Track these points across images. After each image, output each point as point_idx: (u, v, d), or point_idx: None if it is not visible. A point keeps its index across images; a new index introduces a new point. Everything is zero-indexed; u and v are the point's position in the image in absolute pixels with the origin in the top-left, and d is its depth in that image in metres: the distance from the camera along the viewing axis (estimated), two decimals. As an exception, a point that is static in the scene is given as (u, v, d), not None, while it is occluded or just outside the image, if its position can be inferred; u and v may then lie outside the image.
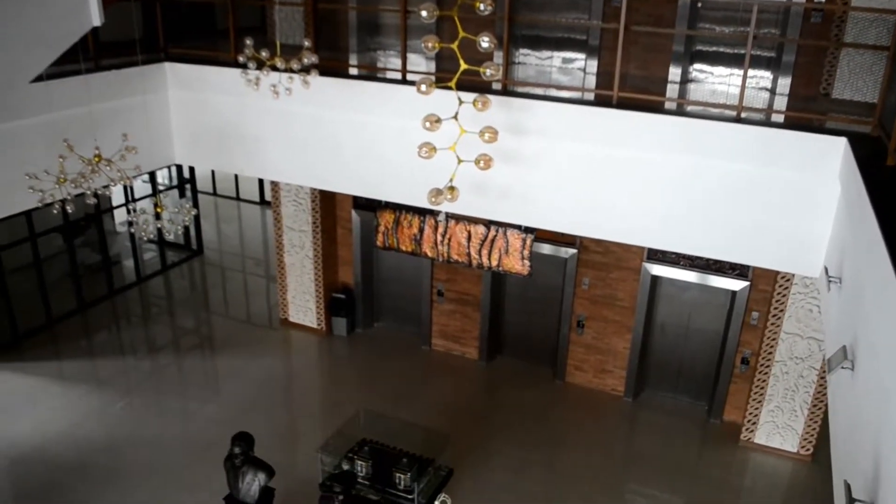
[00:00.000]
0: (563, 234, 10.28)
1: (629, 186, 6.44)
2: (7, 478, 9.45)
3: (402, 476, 7.94)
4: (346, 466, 8.14)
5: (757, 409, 9.82)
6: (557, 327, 11.17)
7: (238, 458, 7.79)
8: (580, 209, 6.70)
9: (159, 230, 7.91)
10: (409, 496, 7.89)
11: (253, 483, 7.81)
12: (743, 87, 6.16)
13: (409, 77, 7.19)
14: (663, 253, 9.97)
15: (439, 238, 9.26)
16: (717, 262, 9.65)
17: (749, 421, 9.96)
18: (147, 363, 12.14)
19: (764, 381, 9.64)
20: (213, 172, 19.48)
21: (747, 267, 9.63)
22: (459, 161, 5.17)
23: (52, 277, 13.27)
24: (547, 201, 6.76)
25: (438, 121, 4.94)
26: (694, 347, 10.68)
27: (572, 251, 10.50)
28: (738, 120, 6.10)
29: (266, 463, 7.88)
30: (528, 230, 8.75)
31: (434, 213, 9.21)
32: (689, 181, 6.23)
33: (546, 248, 10.61)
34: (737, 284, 9.80)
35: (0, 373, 11.66)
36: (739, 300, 9.85)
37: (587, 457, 9.80)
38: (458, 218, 9.02)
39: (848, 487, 3.09)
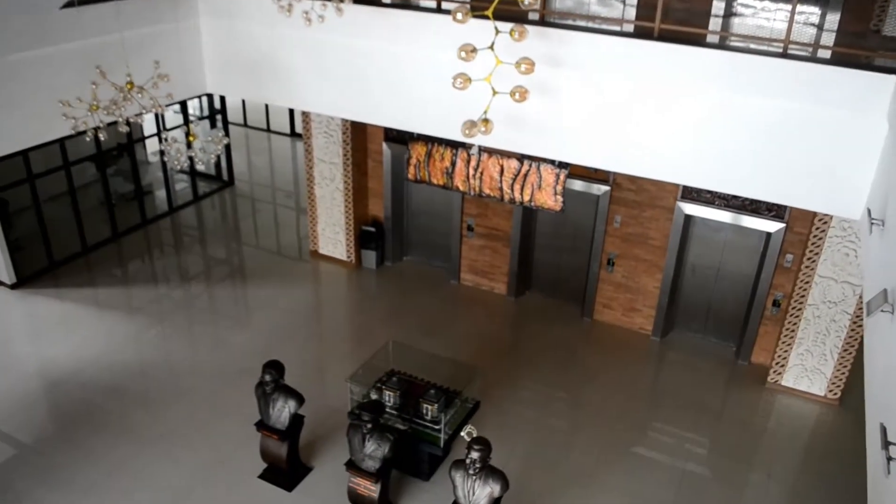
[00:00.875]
0: (596, 171, 10.15)
1: (668, 122, 6.27)
2: (46, 398, 9.77)
3: (430, 407, 8.05)
4: (374, 396, 8.27)
5: (786, 351, 9.77)
6: (587, 265, 11.12)
7: (269, 386, 7.95)
8: (616, 145, 6.56)
9: (191, 160, 7.92)
10: (436, 426, 8.02)
11: (283, 410, 7.99)
12: (791, 20, 5.91)
13: (445, 5, 7.00)
14: (698, 192, 9.81)
15: (471, 172, 9.17)
16: (752, 202, 9.48)
17: (777, 363, 9.93)
18: (179, 292, 12.35)
19: (795, 324, 9.56)
20: (243, 103, 19.41)
21: (784, 208, 9.45)
22: (494, 93, 5.07)
23: (86, 206, 13.43)
24: (582, 136, 6.63)
25: (474, 51, 4.82)
26: (724, 288, 10.59)
27: (605, 188, 10.37)
28: (783, 55, 5.88)
29: (296, 391, 8.04)
30: (561, 165, 8.63)
31: (467, 146, 9.10)
32: (730, 118, 6.06)
33: (578, 185, 10.49)
34: (772, 226, 9.63)
35: (37, 298, 11.95)
36: (774, 242, 9.70)
37: (613, 394, 9.87)
38: (491, 151, 8.89)
39: (883, 430, 3.06)
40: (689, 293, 10.83)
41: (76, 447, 8.86)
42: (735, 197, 9.51)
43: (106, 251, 13.45)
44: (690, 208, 10.00)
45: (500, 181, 8.99)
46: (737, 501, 8.29)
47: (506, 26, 4.79)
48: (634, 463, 8.75)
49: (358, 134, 11.86)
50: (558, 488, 8.35)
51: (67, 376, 10.09)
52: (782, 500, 8.32)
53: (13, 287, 12.10)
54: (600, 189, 10.41)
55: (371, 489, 7.71)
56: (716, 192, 9.48)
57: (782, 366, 9.89)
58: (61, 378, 10.06)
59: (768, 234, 9.74)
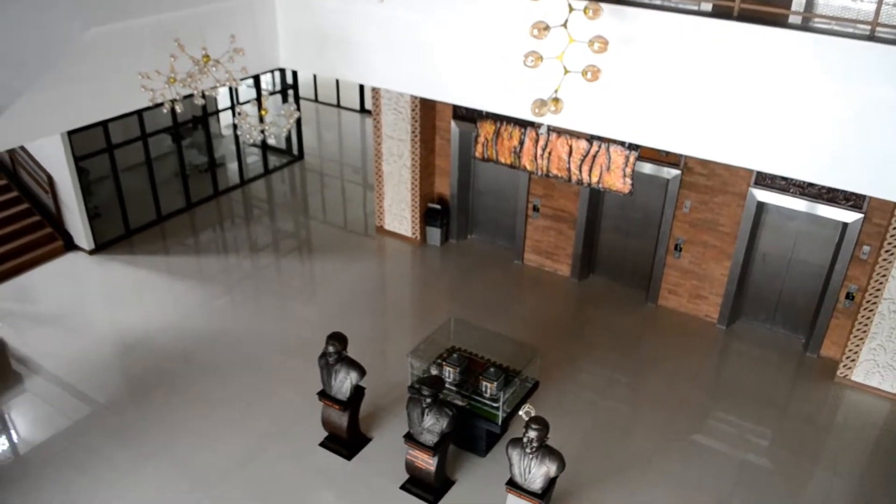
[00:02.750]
0: (667, 154, 9.95)
1: (747, 105, 6.09)
2: (120, 361, 10.18)
3: (489, 384, 8.09)
4: (434, 371, 8.35)
5: (858, 346, 9.45)
6: (654, 250, 10.94)
7: (332, 357, 8.11)
8: (690, 128, 6.41)
9: (263, 133, 8.07)
10: (495, 404, 8.06)
11: (345, 381, 8.14)
12: (880, 1, 5.66)
13: (519, -17, 6.92)
14: (772, 178, 9.53)
15: (539, 151, 9.08)
16: (829, 190, 9.16)
17: (848, 358, 9.62)
18: (248, 263, 12.66)
19: (868, 318, 9.23)
20: (314, 79, 19.66)
21: (862, 198, 9.11)
22: (566, 71, 5.02)
23: (162, 176, 13.86)
24: (655, 118, 6.49)
25: (547, 28, 4.77)
26: (796, 279, 10.29)
27: (675, 172, 10.16)
28: (871, 38, 5.63)
29: (358, 363, 8.18)
30: (631, 147, 8.46)
31: (535, 126, 9.01)
32: (812, 102, 5.85)
33: (648, 168, 10.31)
34: (849, 216, 9.29)
35: (113, 264, 12.42)
36: (850, 232, 9.36)
37: (675, 381, 9.73)
38: (560, 131, 8.80)
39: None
40: (759, 282, 10.56)
41: (146, 409, 9.22)
42: (811, 185, 9.20)
43: (179, 220, 13.87)
44: (763, 195, 9.72)
45: (569, 162, 8.88)
46: (798, 496, 8.10)
47: (580, 4, 4.73)
48: (693, 451, 8.63)
49: (427, 111, 11.90)
50: (615, 472, 8.31)
51: (140, 340, 10.49)
52: (846, 497, 8.10)
53: (91, 253, 12.60)
54: (670, 173, 10.21)
55: (428, 462, 7.82)
56: (791, 180, 9.19)
57: (853, 360, 9.58)
58: (134, 342, 10.46)
59: (845, 225, 9.41)
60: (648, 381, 9.76)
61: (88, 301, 11.63)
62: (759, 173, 9.55)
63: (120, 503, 7.91)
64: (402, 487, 8.13)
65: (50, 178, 12.30)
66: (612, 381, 9.78)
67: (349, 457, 8.53)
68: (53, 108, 7.10)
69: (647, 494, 8.03)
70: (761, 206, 9.89)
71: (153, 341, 10.46)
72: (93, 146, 12.41)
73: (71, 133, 11.76)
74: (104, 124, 12.28)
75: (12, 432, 9.03)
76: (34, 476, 8.26)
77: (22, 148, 12.43)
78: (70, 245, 12.65)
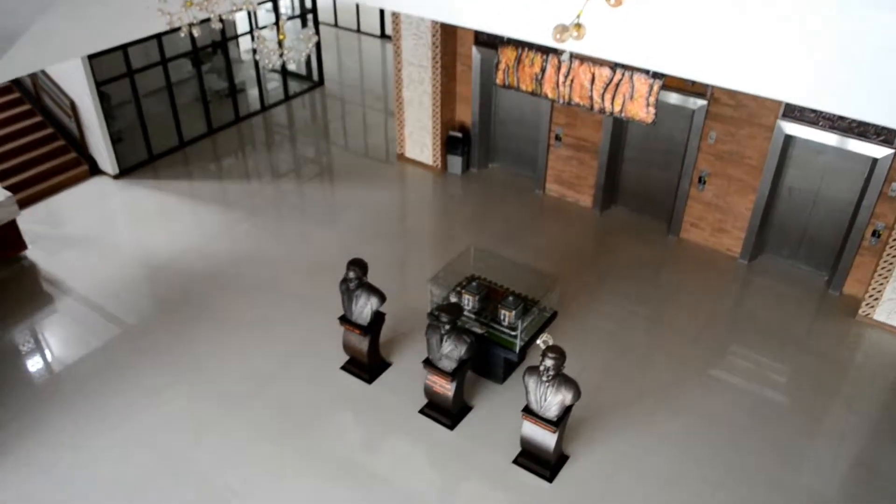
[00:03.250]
0: (693, 84, 9.72)
1: (779, 33, 5.90)
2: (148, 282, 10.37)
3: (507, 313, 8.16)
4: (453, 299, 8.43)
5: (882, 284, 9.36)
6: (677, 182, 10.81)
7: (352, 283, 8.20)
8: (719, 56, 6.23)
9: (282, 57, 7.97)
10: (513, 332, 8.15)
11: (365, 307, 8.25)
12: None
13: None
14: (801, 111, 9.30)
15: (561, 79, 8.90)
16: (860, 124, 8.92)
17: (871, 296, 9.54)
18: (270, 188, 12.70)
19: (894, 256, 9.12)
20: (334, 3, 19.29)
21: (894, 132, 8.88)
22: (589, -5, 4.88)
23: (183, 102, 13.81)
24: (682, 45, 6.32)
25: (573, -51, 4.62)
26: (821, 215, 10.14)
27: (701, 102, 9.95)
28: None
29: (378, 289, 8.27)
30: (656, 76, 8.27)
31: (558, 52, 8.82)
32: (847, 30, 5.66)
33: (673, 98, 10.10)
34: (879, 151, 9.07)
35: (137, 189, 12.52)
36: (880, 169, 9.15)
37: (694, 314, 9.75)
38: (583, 58, 8.60)
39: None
40: (783, 217, 10.43)
41: (173, 329, 9.44)
42: (841, 118, 8.98)
43: (201, 146, 13.89)
44: (792, 128, 9.51)
45: (591, 90, 8.70)
46: (813, 431, 8.17)
47: (607, -77, 4.55)
48: (710, 384, 8.70)
49: (448, 37, 11.67)
50: (631, 402, 8.43)
51: (166, 263, 10.66)
52: (861, 434, 8.17)
53: (115, 177, 12.71)
54: (696, 103, 10.00)
55: (446, 388, 7.97)
56: (821, 112, 8.97)
57: (876, 299, 9.51)
58: (160, 264, 10.63)
59: (874, 160, 9.19)
60: (668, 314, 9.79)
61: (115, 224, 11.79)
62: (788, 105, 9.32)
63: (150, 420, 8.19)
64: (421, 411, 8.32)
65: (72, 103, 12.31)
66: (632, 312, 9.82)
67: (369, 380, 8.71)
68: (71, 33, 7.06)
69: (663, 426, 8.15)
70: (789, 140, 9.69)
71: (179, 264, 10.62)
72: (113, 71, 12.36)
73: (91, 58, 11.70)
74: (124, 49, 12.19)
75: (46, 352, 9.30)
76: (69, 393, 8.54)
77: (44, 73, 12.41)
78: (95, 170, 12.75)
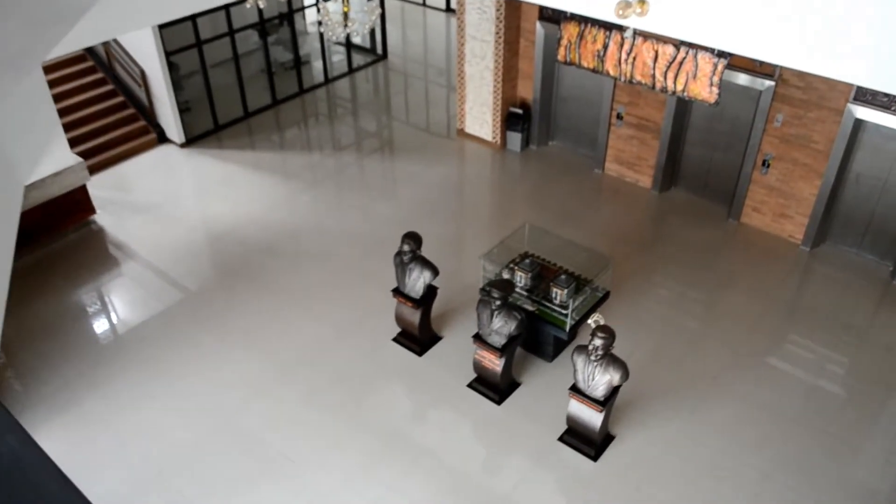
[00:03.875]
0: (761, 64, 9.43)
1: (854, 12, 5.68)
2: (209, 250, 10.67)
3: (559, 291, 8.14)
4: (506, 275, 8.45)
5: (953, 273, 9.01)
6: (740, 165, 10.55)
7: (406, 255, 8.28)
8: (789, 35, 6.04)
9: (347, 29, 8.03)
10: (563, 311, 8.13)
11: (419, 280, 8.33)
12: None
13: None
14: (873, 94, 8.94)
15: (624, 56, 8.75)
16: (939, 108, 8.54)
17: (940, 285, 9.20)
18: (331, 160, 12.87)
19: (968, 244, 8.75)
20: (400, -24, 19.27)
21: (975, 116, 8.48)
22: (653, -30, 4.78)
23: (248, 73, 14.05)
24: (750, 23, 6.13)
25: (635, -77, 4.53)
26: (889, 203, 9.74)
27: (769, 83, 9.65)
28: None
29: (432, 263, 8.34)
30: (721, 54, 8.04)
31: (621, 29, 8.67)
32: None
33: (739, 78, 9.82)
34: (958, 135, 8.68)
35: (202, 158, 12.84)
36: (957, 153, 8.77)
37: (751, 301, 9.54)
38: (647, 35, 8.43)
39: None
40: (850, 204, 10.07)
41: (232, 296, 9.70)
42: (919, 101, 8.61)
43: (265, 117, 14.13)
44: (863, 112, 9.15)
45: (653, 68, 8.53)
46: (869, 425, 7.95)
47: None
48: (763, 372, 8.53)
49: (512, 11, 11.56)
50: (680, 387, 8.33)
51: (227, 231, 10.94)
52: (922, 426, 7.92)
53: (182, 146, 13.04)
54: (763, 84, 9.70)
55: (495, 363, 8.02)
56: (894, 97, 8.60)
57: (946, 288, 9.15)
58: (222, 232, 10.92)
59: (952, 145, 8.81)
60: (724, 299, 9.61)
61: (179, 192, 12.13)
62: (860, 89, 8.96)
63: (207, 383, 8.47)
64: (469, 385, 8.40)
65: (143, 72, 12.65)
66: (686, 296, 9.67)
67: (420, 353, 8.82)
68: (142, 2, 7.24)
69: (711, 412, 8.04)
70: (859, 124, 9.33)
71: (239, 232, 10.89)
72: (182, 41, 12.64)
73: (162, 28, 11.99)
74: (193, 19, 12.45)
75: (111, 313, 9.68)
76: (131, 354, 8.89)
77: (116, 42, 12.77)
78: (162, 138, 13.11)
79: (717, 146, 10.90)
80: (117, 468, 7.54)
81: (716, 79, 8.20)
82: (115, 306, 9.78)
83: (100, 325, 9.45)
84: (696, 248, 10.48)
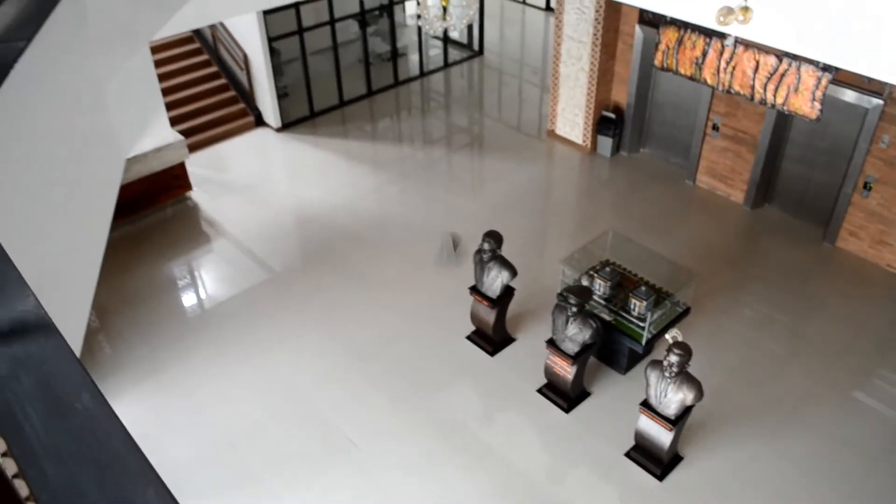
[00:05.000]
0: (869, 81, 8.96)
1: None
2: (296, 233, 10.96)
3: (638, 303, 7.98)
4: (585, 282, 8.33)
5: None
6: (839, 185, 10.05)
7: (486, 254, 8.28)
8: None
9: (445, 23, 8.08)
10: (641, 323, 7.96)
11: (496, 279, 8.32)
12: None
13: None
14: None
15: (723, 65, 8.47)
16: None
17: None
18: (421, 154, 12.99)
19: None
20: (504, -27, 19.24)
21: None
22: (759, -21, 4.62)
23: (346, 62, 14.32)
24: (860, 37, 5.84)
25: (743, -71, 4.39)
26: None
27: (877, 101, 9.15)
28: None
29: (511, 263, 8.31)
30: (825, 68, 7.68)
31: (722, 36, 8.40)
32: None
33: (845, 94, 9.36)
34: None
35: (297, 143, 13.17)
36: None
37: (840, 329, 9.09)
38: (748, 44, 8.13)
39: None
40: (960, 234, 9.49)
41: (315, 281, 9.93)
42: None
43: (359, 106, 14.37)
44: (983, 137, 8.60)
45: (753, 78, 8.23)
46: (963, 466, 7.50)
47: None
48: (847, 406, 8.10)
49: (612, 13, 11.37)
50: (757, 413, 8.02)
51: (315, 216, 11.19)
52: None
53: (278, 130, 13.41)
54: (871, 102, 9.21)
55: (567, 370, 7.93)
56: None
57: None
58: (311, 217, 11.19)
59: None
60: (811, 325, 9.20)
61: (273, 175, 12.49)
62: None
63: (282, 362, 8.70)
64: (539, 391, 8.33)
65: (246, 56, 13.06)
66: (771, 318, 9.32)
67: (492, 353, 8.81)
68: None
69: (787, 442, 7.71)
70: (978, 149, 8.78)
71: (327, 218, 11.13)
72: (285, 28, 12.99)
73: (266, 14, 12.34)
74: (296, 7, 12.77)
75: (199, 287, 10.07)
76: (215, 328, 9.22)
77: (222, 26, 13.22)
78: (259, 121, 13.51)
79: (816, 164, 10.44)
80: (187, 436, 7.84)
81: (819, 93, 7.85)
82: (204, 280, 10.16)
83: (188, 298, 9.84)
84: (787, 269, 10.08)
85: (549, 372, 8.18)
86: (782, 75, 8.08)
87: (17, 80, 3.56)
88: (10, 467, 1.64)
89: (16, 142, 3.72)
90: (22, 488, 1.60)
